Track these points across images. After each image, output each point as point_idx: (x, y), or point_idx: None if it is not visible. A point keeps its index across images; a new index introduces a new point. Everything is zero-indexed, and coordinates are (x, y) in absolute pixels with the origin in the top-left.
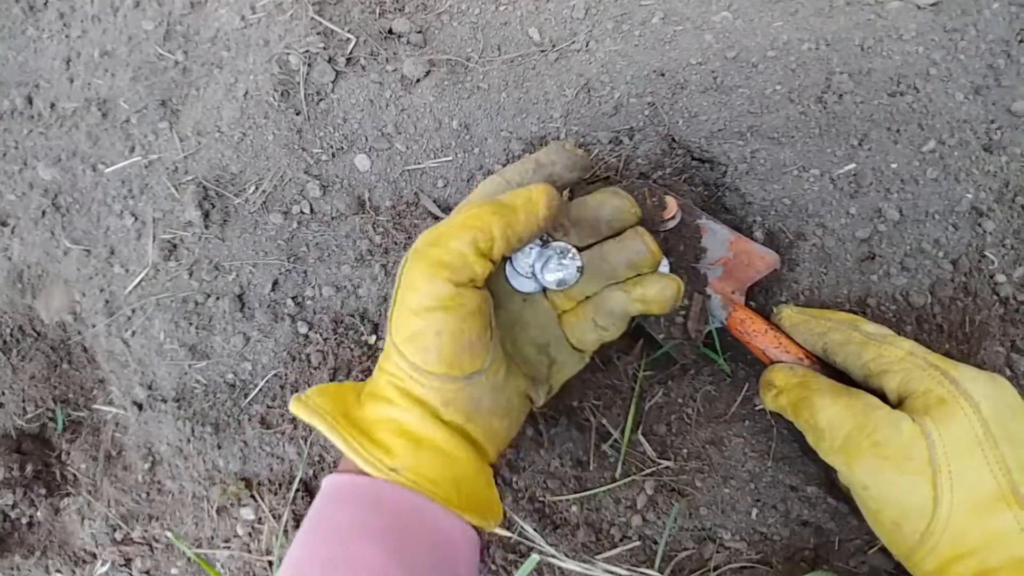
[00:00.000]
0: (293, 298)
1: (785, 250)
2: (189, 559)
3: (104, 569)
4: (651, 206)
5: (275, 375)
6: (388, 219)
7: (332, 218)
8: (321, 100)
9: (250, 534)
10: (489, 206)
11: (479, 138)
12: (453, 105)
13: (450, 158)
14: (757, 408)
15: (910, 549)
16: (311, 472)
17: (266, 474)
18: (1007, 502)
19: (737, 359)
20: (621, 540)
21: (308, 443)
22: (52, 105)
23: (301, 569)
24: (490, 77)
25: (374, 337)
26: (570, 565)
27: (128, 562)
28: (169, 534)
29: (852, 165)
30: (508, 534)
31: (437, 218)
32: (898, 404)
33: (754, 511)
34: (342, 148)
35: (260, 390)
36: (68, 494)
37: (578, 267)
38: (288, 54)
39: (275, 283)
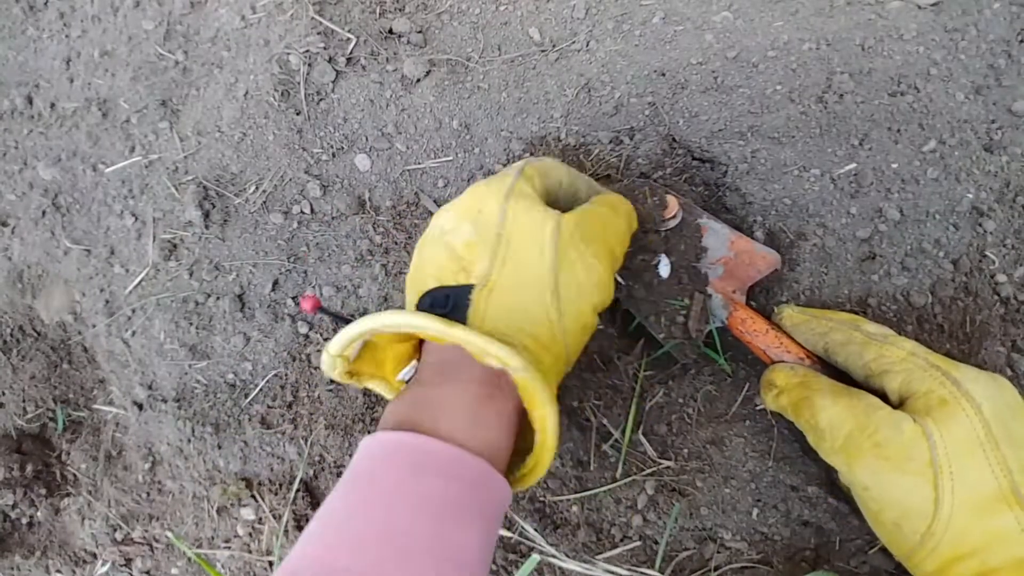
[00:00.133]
0: (293, 298)
1: (786, 250)
2: (189, 559)
3: (104, 569)
4: (651, 205)
5: (275, 375)
6: (388, 219)
7: (332, 218)
8: (321, 100)
9: (250, 534)
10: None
11: (479, 138)
12: (453, 105)
13: (450, 158)
14: (758, 408)
15: (911, 550)
16: (311, 472)
17: (266, 474)
18: (1008, 503)
19: (738, 359)
20: (622, 540)
21: (308, 443)
22: (52, 105)
23: (405, 543)
24: (490, 77)
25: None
26: (571, 565)
27: (128, 562)
28: (169, 534)
29: (853, 165)
30: (509, 534)
31: None
32: (899, 404)
33: (755, 511)
34: (342, 148)
35: (260, 390)
36: (68, 494)
37: None
38: (288, 54)
39: (275, 283)
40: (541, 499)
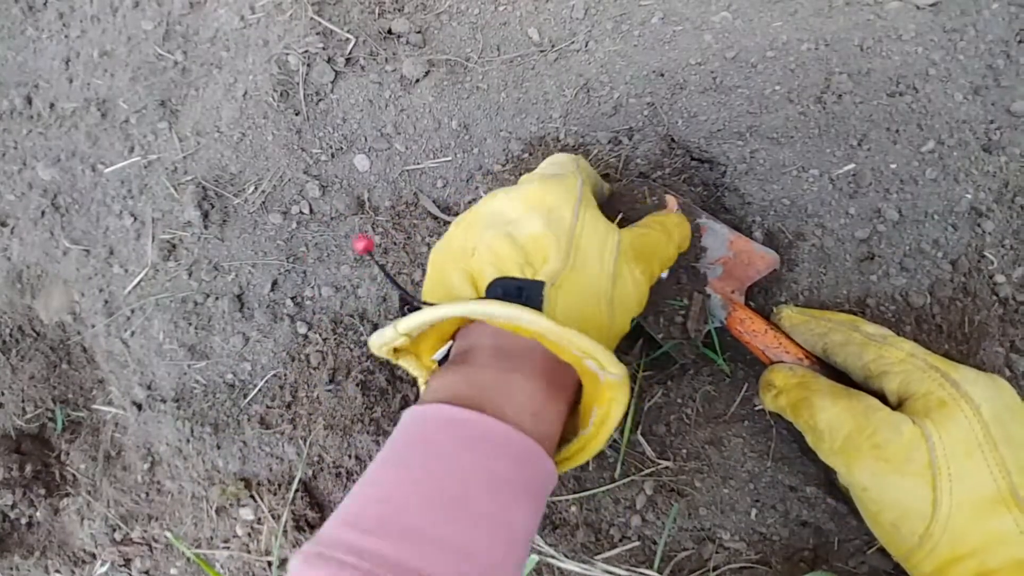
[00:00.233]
0: (292, 298)
1: (784, 250)
2: (188, 559)
3: (103, 569)
4: (650, 205)
5: (274, 375)
6: (387, 219)
7: (331, 218)
8: (320, 100)
9: (249, 534)
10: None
11: (478, 138)
12: (452, 105)
13: (449, 158)
14: (756, 408)
15: (909, 551)
16: (310, 472)
17: (265, 474)
18: (1007, 504)
19: (736, 359)
20: (620, 540)
21: (307, 443)
22: (51, 105)
23: (468, 508)
24: (489, 77)
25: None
26: (569, 565)
27: (127, 562)
28: (168, 534)
29: (851, 165)
30: None
31: (436, 218)
32: (898, 405)
33: (753, 511)
34: (341, 148)
35: (259, 390)
36: (67, 494)
37: None
38: (287, 54)
39: (274, 283)
40: None
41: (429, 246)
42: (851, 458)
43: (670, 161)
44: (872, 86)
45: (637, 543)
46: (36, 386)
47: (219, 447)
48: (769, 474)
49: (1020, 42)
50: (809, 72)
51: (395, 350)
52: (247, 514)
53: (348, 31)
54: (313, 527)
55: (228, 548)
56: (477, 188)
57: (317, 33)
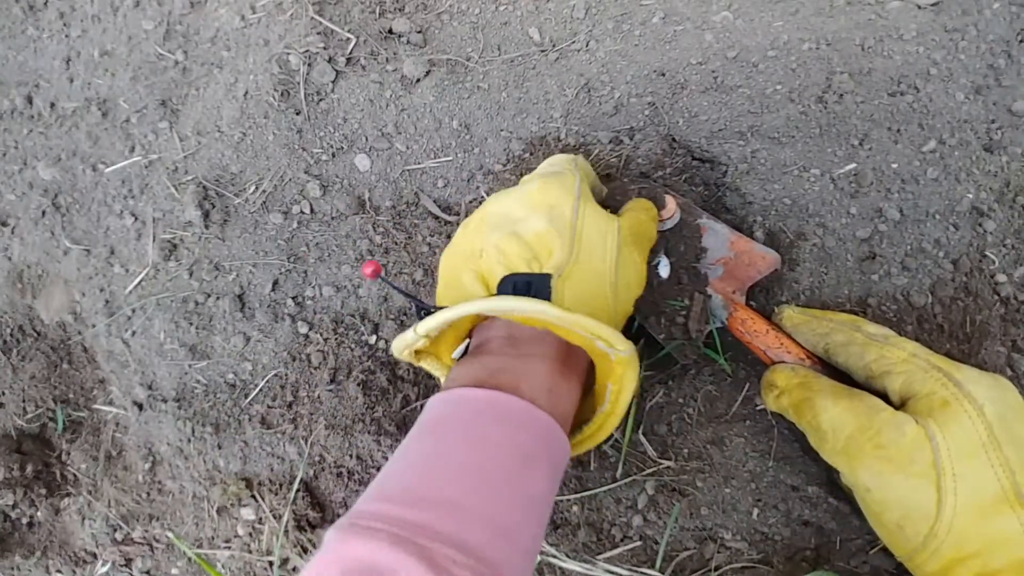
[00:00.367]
0: (293, 298)
1: (786, 250)
2: (190, 559)
3: (104, 569)
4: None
5: (275, 375)
6: (388, 219)
7: (332, 218)
8: (321, 100)
9: (251, 534)
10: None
11: (479, 138)
12: (453, 105)
13: (450, 158)
14: (758, 408)
15: (913, 551)
16: (311, 472)
17: (266, 474)
18: (1011, 504)
19: (738, 359)
20: (622, 540)
21: (308, 443)
22: (52, 105)
23: (492, 478)
24: (490, 77)
25: (374, 337)
26: (571, 565)
27: (128, 562)
28: (170, 534)
29: (853, 165)
30: None
31: (437, 218)
32: (900, 405)
33: (755, 511)
34: (342, 148)
35: (260, 390)
36: (68, 494)
37: None
38: (288, 54)
39: (275, 283)
40: None
41: (430, 246)
42: (854, 458)
43: (671, 161)
44: (873, 85)
45: (639, 543)
46: (37, 386)
47: (220, 447)
48: (771, 474)
49: (1021, 42)
50: (810, 71)
51: (416, 353)
52: (248, 514)
53: (349, 31)
54: (315, 527)
55: (229, 548)
56: (478, 188)
57: (318, 33)
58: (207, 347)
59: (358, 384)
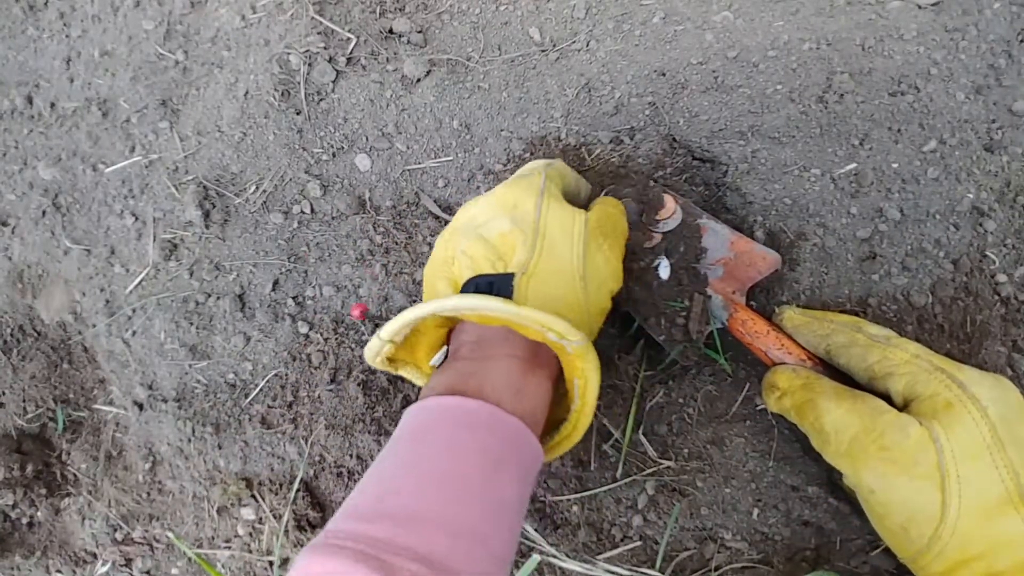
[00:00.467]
0: (294, 298)
1: (786, 250)
2: (190, 559)
3: (104, 569)
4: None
5: (276, 375)
6: (389, 219)
7: (333, 218)
8: (321, 100)
9: (251, 534)
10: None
11: (480, 138)
12: (454, 105)
13: (451, 158)
14: (758, 408)
15: (916, 553)
16: (312, 472)
17: (267, 474)
18: (1015, 506)
19: (738, 359)
20: (622, 540)
21: (308, 443)
22: (52, 105)
23: (458, 486)
24: (491, 77)
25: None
26: (571, 565)
27: (128, 562)
28: (170, 534)
29: (853, 165)
30: None
31: (438, 218)
32: (903, 407)
33: (755, 511)
34: (343, 148)
35: (261, 390)
36: (68, 494)
37: None
38: (288, 54)
39: (275, 283)
40: (541, 499)
41: (430, 246)
42: (858, 460)
43: (671, 161)
44: (874, 85)
45: (639, 543)
46: (37, 386)
47: (220, 447)
48: (771, 474)
49: (1022, 41)
50: (811, 71)
51: (391, 360)
52: (248, 514)
53: (349, 31)
54: (315, 527)
55: (229, 548)
56: (479, 188)
57: (318, 33)
58: (207, 347)
59: (358, 384)
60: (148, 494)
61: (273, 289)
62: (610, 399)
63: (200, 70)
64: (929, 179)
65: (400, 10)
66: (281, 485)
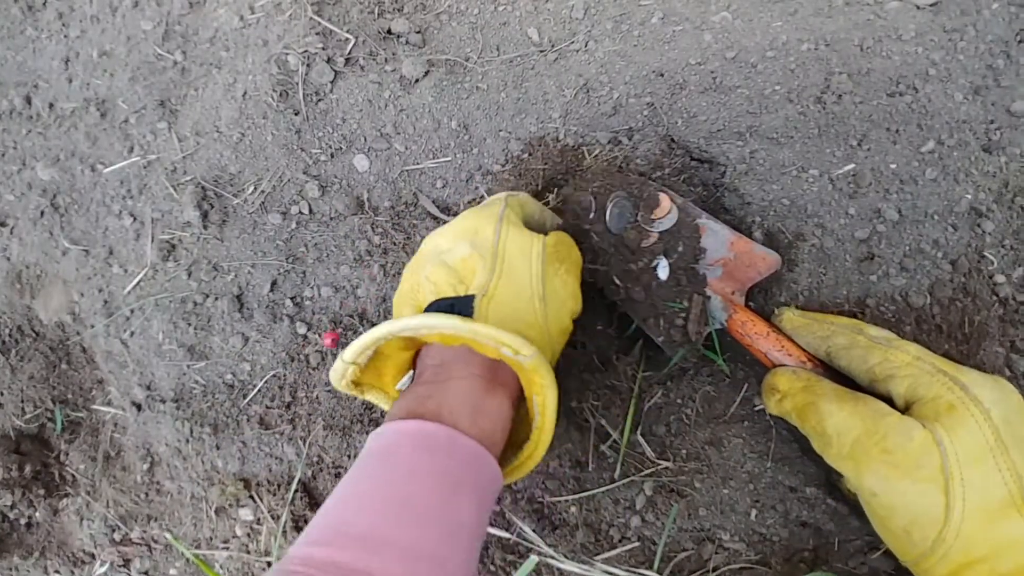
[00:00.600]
0: (292, 298)
1: (784, 250)
2: (188, 560)
3: (103, 570)
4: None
5: (274, 376)
6: (387, 219)
7: (331, 218)
8: (320, 100)
9: (249, 535)
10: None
11: (478, 138)
12: (452, 105)
13: (449, 158)
14: (756, 409)
15: (919, 556)
16: (310, 473)
17: (265, 475)
18: (1018, 508)
19: (736, 359)
20: (620, 541)
21: (306, 444)
22: (51, 105)
23: (416, 509)
24: (489, 77)
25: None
26: (569, 566)
27: (127, 563)
28: (168, 535)
29: (851, 165)
30: (507, 535)
31: (436, 218)
32: (905, 409)
33: (753, 512)
34: (341, 148)
35: (259, 391)
36: (67, 495)
37: None
38: (287, 54)
39: (274, 283)
40: (540, 500)
41: None
42: (860, 463)
43: (670, 161)
44: (872, 86)
45: (637, 544)
46: (35, 386)
47: (218, 447)
48: (769, 475)
49: (1020, 42)
50: (809, 72)
51: (357, 384)
52: (246, 514)
53: (347, 31)
54: None
55: (227, 548)
56: (477, 188)
57: (316, 33)
58: (205, 347)
59: None
60: (146, 495)
61: (271, 290)
62: (608, 400)
63: (198, 70)
64: (927, 180)
65: (398, 10)
66: (279, 486)
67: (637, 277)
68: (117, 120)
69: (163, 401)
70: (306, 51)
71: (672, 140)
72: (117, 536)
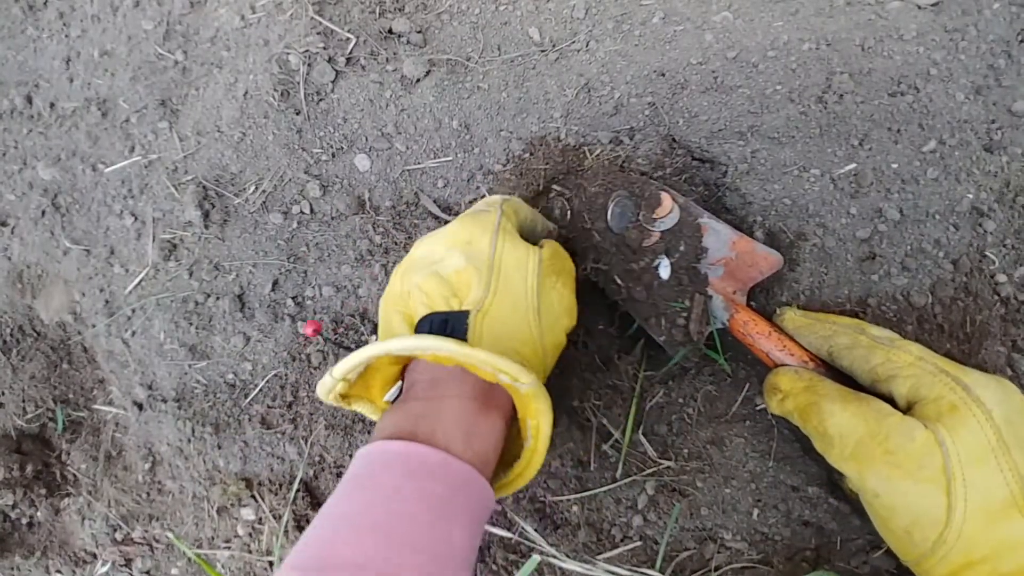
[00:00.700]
0: (293, 298)
1: (786, 250)
2: (189, 559)
3: (104, 569)
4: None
5: (275, 375)
6: (388, 219)
7: (332, 218)
8: (321, 100)
9: (250, 534)
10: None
11: (479, 138)
12: (453, 105)
13: (450, 158)
14: (758, 408)
15: (921, 556)
16: (311, 472)
17: (266, 474)
18: (1019, 509)
19: (737, 359)
20: (622, 540)
21: (308, 443)
22: (52, 105)
23: (402, 535)
24: (490, 77)
25: (374, 337)
26: (571, 565)
27: (128, 562)
28: (169, 534)
29: (853, 165)
30: (509, 534)
31: (437, 218)
32: (907, 409)
33: (755, 511)
34: (342, 148)
35: (260, 390)
36: (68, 494)
37: None
38: (288, 54)
39: (275, 283)
40: (541, 499)
41: None
42: (863, 464)
43: (671, 161)
44: (873, 86)
45: (639, 543)
46: (37, 386)
47: (220, 447)
48: (771, 474)
49: (1021, 42)
50: (810, 72)
51: (344, 397)
52: (248, 514)
53: (349, 31)
54: None
55: (229, 548)
56: (478, 188)
57: (318, 33)
58: (207, 347)
59: None
60: (148, 494)
61: (273, 289)
62: (610, 399)
63: (199, 70)
64: (929, 179)
65: (400, 10)
66: (281, 485)
67: (639, 276)
68: (118, 120)
69: (164, 401)
70: (307, 51)
71: (673, 140)
72: (119, 536)
